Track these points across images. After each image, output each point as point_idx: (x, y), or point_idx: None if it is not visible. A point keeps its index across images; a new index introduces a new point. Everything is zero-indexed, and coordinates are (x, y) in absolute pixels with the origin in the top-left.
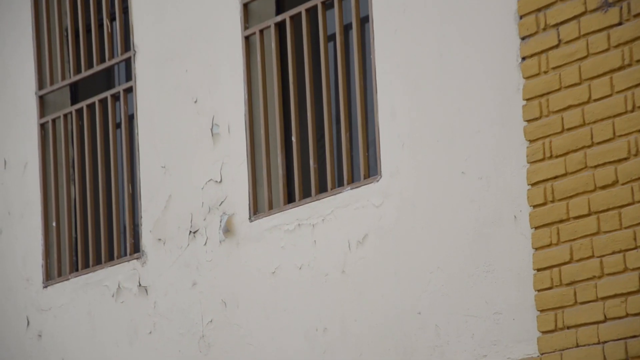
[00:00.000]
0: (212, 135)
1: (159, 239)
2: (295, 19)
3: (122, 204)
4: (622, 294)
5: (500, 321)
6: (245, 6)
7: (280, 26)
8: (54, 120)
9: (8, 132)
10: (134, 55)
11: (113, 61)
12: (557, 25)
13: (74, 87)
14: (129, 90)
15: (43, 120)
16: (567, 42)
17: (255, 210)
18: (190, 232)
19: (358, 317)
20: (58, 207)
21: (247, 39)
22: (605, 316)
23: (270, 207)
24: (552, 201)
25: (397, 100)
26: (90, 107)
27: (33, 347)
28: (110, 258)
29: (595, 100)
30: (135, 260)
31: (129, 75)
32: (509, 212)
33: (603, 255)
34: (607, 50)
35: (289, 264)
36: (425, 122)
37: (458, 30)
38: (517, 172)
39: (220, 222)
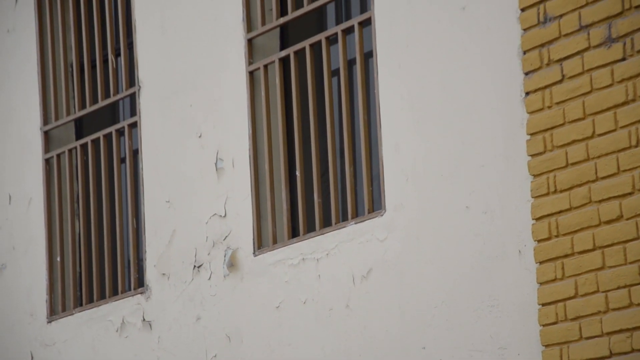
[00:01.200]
0: (217, 169)
1: (163, 274)
2: (300, 54)
3: (126, 239)
4: (627, 329)
5: (505, 356)
6: (250, 41)
7: (285, 61)
8: (58, 156)
9: (13, 168)
10: (139, 90)
11: (118, 96)
12: (560, 60)
13: (78, 122)
14: (134, 125)
15: (48, 155)
16: (571, 77)
17: (260, 245)
18: (195, 266)
19: (362, 352)
20: (62, 242)
21: (251, 74)
22: (610, 351)
23: (275, 241)
24: (557, 236)
25: (401, 135)
26: (95, 142)
27: None
28: (115, 293)
29: (600, 135)
30: (139, 295)
31: (133, 111)
32: (513, 247)
33: (608, 290)
34: (610, 85)
35: (293, 299)
36: (430, 156)
37: (462, 65)
38: (521, 207)
39: (225, 256)
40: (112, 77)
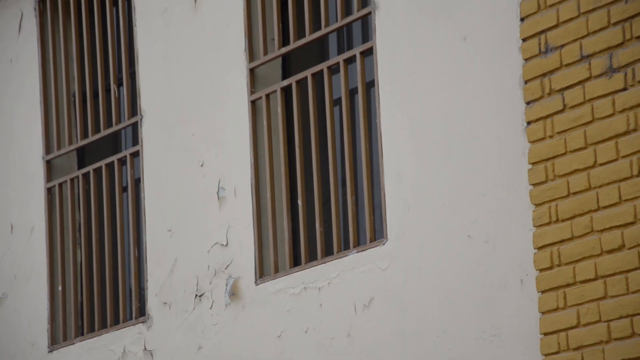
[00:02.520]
0: (218, 198)
1: (165, 303)
2: (302, 83)
3: (127, 268)
4: (630, 359)
5: None
6: (252, 71)
7: (287, 90)
8: (60, 185)
9: (15, 197)
10: (141, 119)
11: (120, 126)
12: (562, 90)
13: (80, 151)
14: (136, 154)
15: (50, 184)
16: (572, 106)
17: (261, 274)
18: (196, 295)
19: None
20: (64, 271)
21: (253, 103)
22: None
23: (276, 270)
24: (559, 265)
25: (403, 164)
26: (97, 171)
27: None
28: (116, 322)
29: (601, 164)
30: (140, 324)
31: (135, 140)
32: (515, 276)
33: (610, 320)
34: (612, 115)
35: (294, 328)
36: (431, 185)
37: (464, 94)
38: (523, 236)
39: (226, 285)
40: (115, 106)
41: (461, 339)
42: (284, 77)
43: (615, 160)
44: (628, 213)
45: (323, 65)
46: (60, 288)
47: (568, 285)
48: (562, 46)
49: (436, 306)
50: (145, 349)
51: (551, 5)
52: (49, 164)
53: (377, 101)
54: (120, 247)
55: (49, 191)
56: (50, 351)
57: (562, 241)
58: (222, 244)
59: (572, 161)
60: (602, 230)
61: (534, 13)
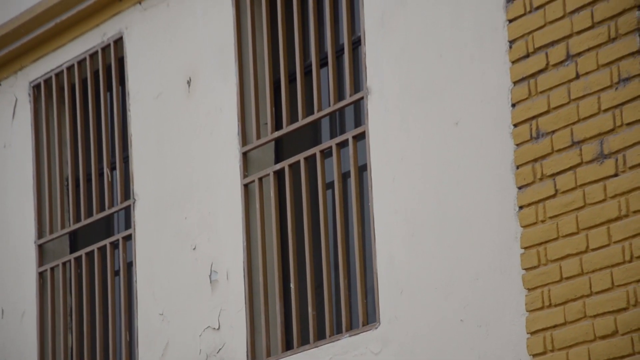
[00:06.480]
0: (211, 282)
1: None
2: (294, 167)
3: (119, 353)
4: None
5: None
6: (245, 154)
7: (279, 174)
8: (52, 269)
9: (6, 281)
10: (134, 203)
11: (113, 209)
12: (553, 175)
13: (73, 235)
14: (128, 238)
15: (42, 268)
16: (564, 192)
17: (254, 358)
18: None
19: None
20: (54, 356)
21: (246, 187)
22: None
23: (269, 354)
24: (552, 350)
25: (396, 248)
26: (89, 255)
27: None
28: None
29: (593, 249)
30: None
31: (128, 223)
32: None
33: None
34: (603, 200)
35: None
36: (424, 269)
37: (456, 179)
38: (516, 321)
39: None
40: (108, 190)
41: None
42: (277, 160)
43: (608, 245)
44: (621, 299)
45: (316, 149)
46: None
47: None
48: (553, 132)
49: None
50: None
51: (542, 92)
52: (41, 248)
53: (369, 185)
54: (111, 331)
55: (41, 275)
56: None
57: (555, 326)
58: (214, 328)
59: (565, 246)
60: (595, 316)
61: (525, 99)
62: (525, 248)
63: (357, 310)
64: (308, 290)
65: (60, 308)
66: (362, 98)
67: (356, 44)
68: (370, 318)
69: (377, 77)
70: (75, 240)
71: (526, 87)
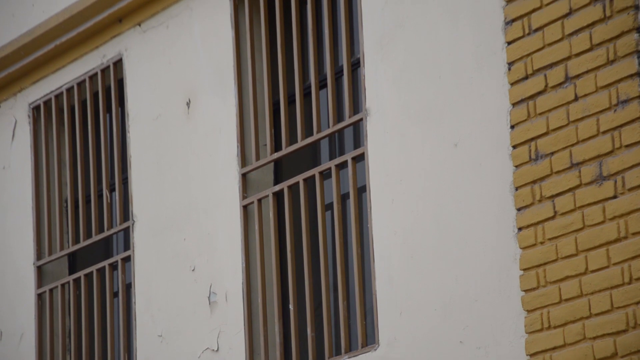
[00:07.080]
0: (210, 303)
1: None
2: (293, 188)
3: None
4: None
5: None
6: (244, 176)
7: (279, 195)
8: (51, 290)
9: (5, 303)
10: (133, 224)
11: (112, 231)
12: (552, 197)
13: (72, 256)
14: (127, 259)
15: (40, 290)
16: (563, 213)
17: None
18: None
19: None
20: None
21: (245, 208)
22: None
23: None
24: None
25: (395, 269)
26: (88, 276)
27: None
28: None
29: (593, 271)
30: None
31: (127, 245)
32: None
33: None
34: (602, 222)
35: None
36: (423, 290)
37: (455, 200)
38: (515, 342)
39: None
40: (107, 212)
41: None
42: (276, 182)
43: (607, 267)
44: (620, 320)
45: (315, 171)
46: None
47: None
48: (552, 153)
49: None
50: None
51: (541, 113)
52: (39, 270)
53: (368, 206)
54: (110, 353)
55: (40, 297)
56: None
57: (554, 348)
58: (213, 349)
59: (564, 268)
60: (594, 338)
61: (524, 120)
62: (525, 269)
63: (357, 331)
64: (307, 311)
65: (59, 330)
66: (361, 119)
67: (355, 65)
68: (370, 339)
69: (376, 98)
70: (74, 261)
71: (525, 109)
